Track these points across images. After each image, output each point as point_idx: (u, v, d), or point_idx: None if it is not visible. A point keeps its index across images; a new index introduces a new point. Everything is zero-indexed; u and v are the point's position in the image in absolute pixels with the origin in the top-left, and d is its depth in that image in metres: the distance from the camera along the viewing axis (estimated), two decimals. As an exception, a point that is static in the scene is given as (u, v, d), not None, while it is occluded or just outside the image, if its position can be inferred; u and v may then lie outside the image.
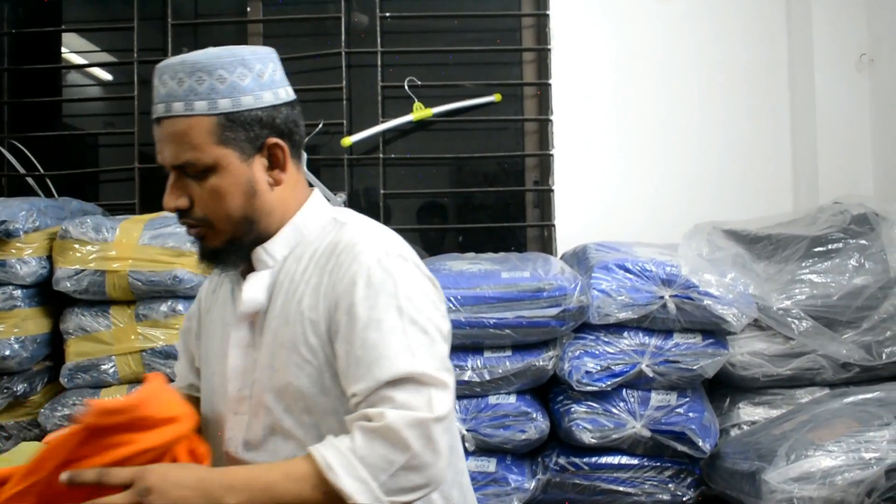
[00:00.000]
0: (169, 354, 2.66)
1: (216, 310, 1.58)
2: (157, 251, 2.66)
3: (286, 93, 1.49)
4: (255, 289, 1.46)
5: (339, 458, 1.22)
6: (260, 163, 1.44)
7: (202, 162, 1.38)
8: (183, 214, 1.44)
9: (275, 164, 1.46)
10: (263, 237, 1.48)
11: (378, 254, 1.39)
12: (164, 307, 2.69)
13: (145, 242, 2.67)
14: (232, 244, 1.45)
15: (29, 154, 3.55)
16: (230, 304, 1.54)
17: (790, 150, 3.51)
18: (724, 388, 2.80)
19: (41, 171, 3.55)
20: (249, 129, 1.42)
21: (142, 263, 2.65)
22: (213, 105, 1.38)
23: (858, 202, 2.94)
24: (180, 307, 2.69)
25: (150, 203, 3.46)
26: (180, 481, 1.21)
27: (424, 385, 1.27)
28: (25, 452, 2.29)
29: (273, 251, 1.48)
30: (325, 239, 1.48)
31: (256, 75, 1.43)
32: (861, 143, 3.35)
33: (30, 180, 3.55)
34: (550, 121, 3.53)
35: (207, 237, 1.45)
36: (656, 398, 2.57)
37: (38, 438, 2.61)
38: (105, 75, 3.97)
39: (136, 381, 2.71)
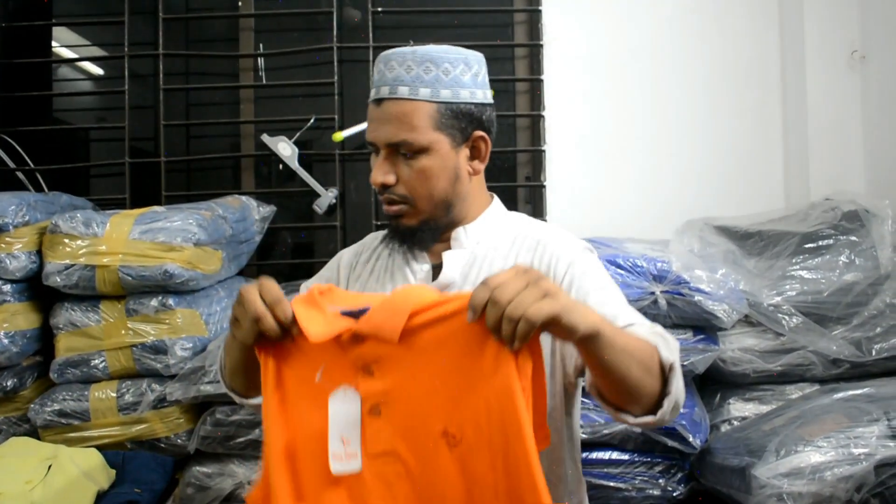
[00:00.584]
0: (159, 349, 2.65)
1: (371, 283, 1.70)
2: (148, 246, 2.65)
3: (490, 96, 1.64)
4: (454, 265, 1.63)
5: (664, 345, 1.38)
6: (464, 153, 1.61)
7: (418, 143, 1.54)
8: (386, 190, 1.59)
9: (475, 156, 1.63)
10: (455, 222, 1.66)
11: (581, 244, 1.68)
12: (154, 302, 2.68)
13: (136, 237, 2.65)
14: (427, 224, 1.62)
15: (19, 148, 3.54)
16: (392, 278, 1.68)
17: (781, 146, 3.52)
18: (715, 384, 2.81)
19: (31, 165, 3.54)
20: (462, 120, 1.57)
21: (132, 258, 2.63)
22: (435, 93, 1.54)
23: (849, 199, 2.95)
24: (171, 302, 2.68)
25: (141, 198, 3.45)
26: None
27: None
28: (16, 447, 2.30)
29: (472, 234, 1.67)
30: (520, 231, 1.69)
31: (474, 74, 1.59)
32: (852, 140, 3.35)
33: (20, 175, 3.54)
34: (542, 116, 3.53)
35: (406, 215, 1.61)
36: (647, 394, 2.56)
37: (28, 434, 2.61)
38: (96, 70, 3.96)
39: (127, 375, 2.70)
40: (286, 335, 1.35)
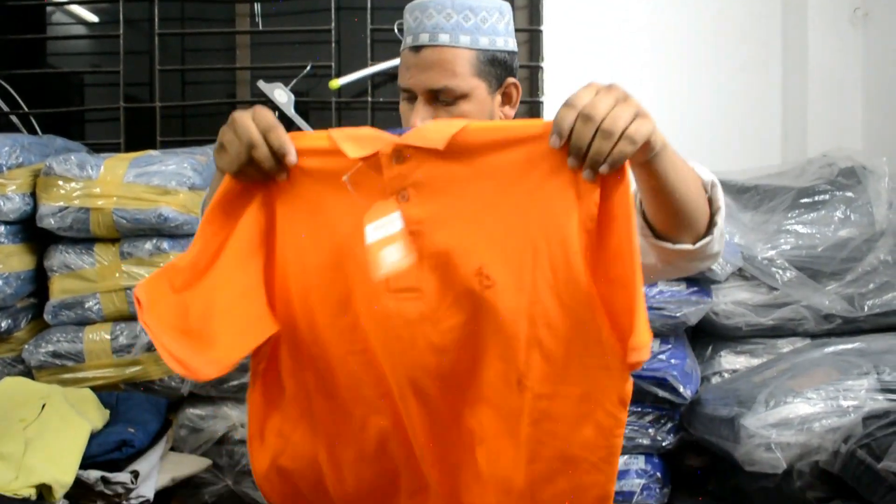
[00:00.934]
0: (153, 293, 2.65)
1: None
2: (142, 189, 2.64)
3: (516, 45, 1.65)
4: None
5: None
6: (498, 99, 1.60)
7: (459, 89, 1.53)
8: None
9: (507, 102, 1.63)
10: None
11: None
12: (148, 245, 2.68)
13: (130, 180, 2.64)
14: None
15: (13, 92, 3.51)
16: None
17: (780, 103, 3.50)
18: (707, 337, 2.83)
19: (25, 108, 3.52)
20: (497, 67, 1.57)
21: (126, 201, 2.62)
22: (475, 41, 1.54)
23: (846, 155, 2.94)
24: (165, 245, 2.68)
25: (136, 143, 3.42)
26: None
27: None
28: (10, 387, 2.31)
29: None
30: None
31: (507, 23, 1.59)
32: (852, 97, 3.34)
33: (13, 118, 3.51)
34: (541, 67, 3.52)
35: None
36: (638, 344, 2.58)
37: (23, 374, 2.62)
38: (90, 16, 3.91)
39: (121, 318, 2.71)
40: (279, 170, 1.24)
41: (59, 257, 2.73)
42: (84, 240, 2.72)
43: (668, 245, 1.35)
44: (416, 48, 1.54)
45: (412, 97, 1.57)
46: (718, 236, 1.37)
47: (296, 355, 1.30)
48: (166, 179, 2.66)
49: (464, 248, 1.21)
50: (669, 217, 1.31)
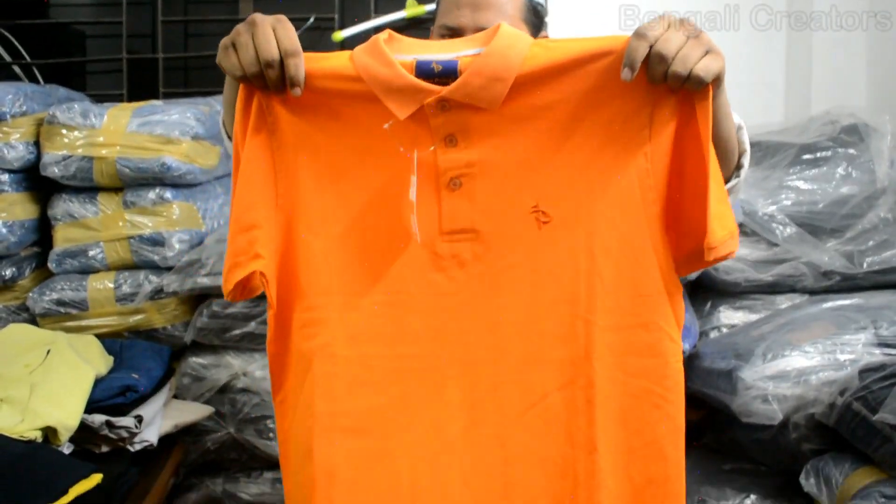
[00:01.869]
0: (157, 241, 2.67)
1: None
2: (146, 138, 2.64)
3: None
4: None
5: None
6: None
7: None
8: None
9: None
10: None
11: None
12: (151, 194, 2.69)
13: (133, 129, 2.65)
14: None
15: (15, 42, 3.50)
16: None
17: (784, 60, 3.48)
18: (706, 292, 2.83)
19: (27, 59, 3.51)
20: (536, 17, 1.59)
21: (130, 150, 2.63)
22: None
23: (850, 113, 2.93)
24: (168, 195, 2.69)
25: (138, 95, 3.42)
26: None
27: None
28: (15, 333, 2.33)
29: None
30: None
31: None
32: (856, 54, 3.32)
33: (16, 68, 3.51)
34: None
35: None
36: (638, 298, 2.59)
37: (27, 322, 2.63)
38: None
39: (125, 267, 2.73)
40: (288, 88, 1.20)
41: (63, 206, 2.74)
42: (87, 189, 2.73)
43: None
44: None
45: (455, 35, 1.48)
46: (744, 179, 1.40)
47: (305, 302, 1.25)
48: (169, 129, 2.67)
49: (518, 187, 1.21)
50: (718, 153, 1.26)
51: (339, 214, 1.23)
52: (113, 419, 2.06)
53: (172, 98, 3.37)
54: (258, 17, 1.19)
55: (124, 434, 2.07)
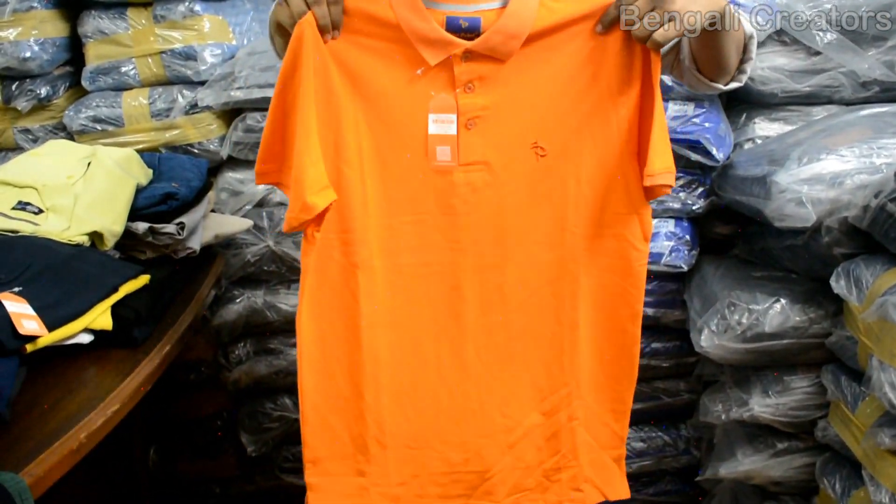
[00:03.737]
0: (189, 56, 2.66)
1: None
2: (174, -51, 2.60)
3: None
4: None
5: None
6: None
7: None
8: None
9: None
10: None
11: None
12: (181, 7, 2.65)
13: (162, -60, 2.60)
14: None
15: None
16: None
17: None
18: (742, 104, 2.80)
19: None
20: None
21: (158, -38, 2.59)
22: None
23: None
24: (198, 7, 2.65)
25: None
26: None
27: None
28: (55, 147, 2.36)
29: None
30: None
31: None
32: None
33: None
34: None
35: None
36: (673, 108, 2.57)
37: (65, 138, 2.67)
38: None
39: (157, 83, 2.73)
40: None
41: (93, 23, 2.72)
42: (116, 4, 2.70)
43: (705, 80, 1.58)
44: None
45: None
46: (744, 80, 1.60)
47: (345, 225, 1.50)
48: (198, -60, 2.62)
49: (522, 126, 1.47)
50: (712, 67, 1.54)
51: (372, 148, 1.49)
52: (156, 225, 2.10)
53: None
54: None
55: (167, 241, 2.12)
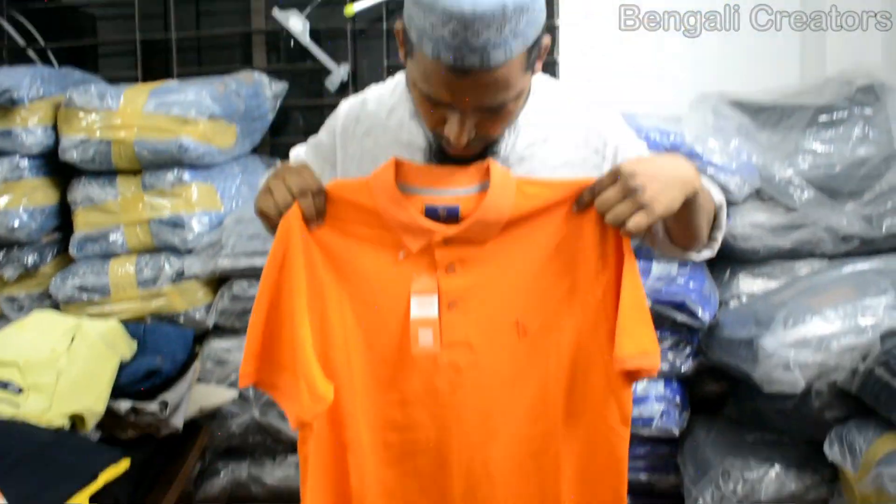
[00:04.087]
0: (177, 224, 2.68)
1: (366, 165, 1.56)
2: (163, 119, 2.65)
3: None
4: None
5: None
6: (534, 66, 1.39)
7: (514, 96, 1.34)
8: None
9: (539, 56, 1.38)
10: None
11: (618, 117, 1.71)
12: (170, 176, 2.70)
13: (150, 110, 2.66)
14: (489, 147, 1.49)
15: (30, 26, 3.51)
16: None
17: (798, 21, 3.44)
18: (725, 260, 2.82)
19: (42, 43, 3.52)
20: (539, 44, 1.34)
21: (147, 132, 2.64)
22: (526, 39, 1.28)
23: (865, 73, 2.89)
24: (186, 176, 2.70)
25: (152, 76, 3.43)
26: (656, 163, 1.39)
27: None
28: (40, 319, 2.35)
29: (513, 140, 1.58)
30: (558, 116, 1.61)
31: None
32: (870, 15, 3.28)
33: (31, 52, 3.52)
34: (556, 27, 3.48)
35: (476, 150, 1.46)
36: (657, 268, 2.59)
37: (51, 308, 2.66)
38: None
39: (145, 250, 2.75)
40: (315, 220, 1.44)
41: (83, 190, 2.76)
42: (106, 172, 2.74)
43: (677, 250, 1.59)
44: (464, 70, 1.25)
45: (438, 103, 1.35)
46: (716, 248, 1.60)
47: (334, 405, 1.48)
48: (186, 109, 2.68)
49: (504, 305, 1.46)
50: (684, 239, 1.54)
51: (357, 331, 1.49)
52: (139, 405, 2.08)
53: (186, 78, 3.38)
54: (283, 166, 1.45)
55: (150, 420, 2.09)
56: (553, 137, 1.55)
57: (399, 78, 1.66)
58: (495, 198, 1.43)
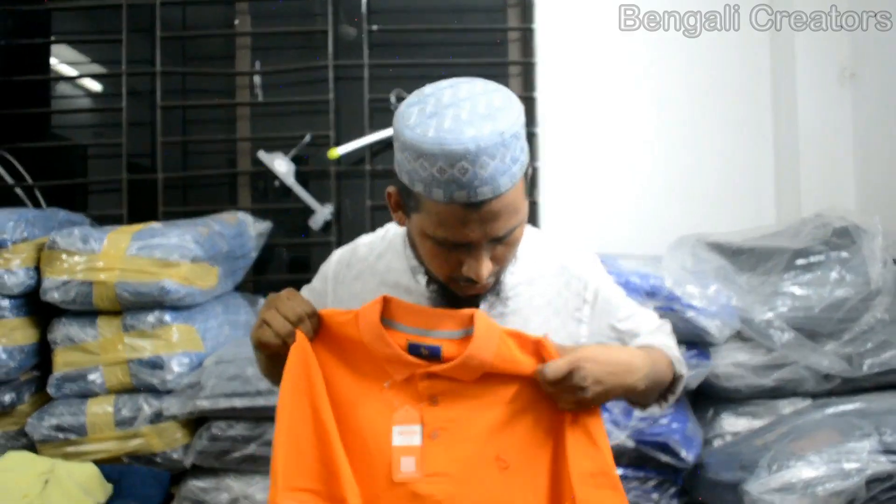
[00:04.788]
0: (156, 365, 2.67)
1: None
2: (145, 262, 2.67)
3: None
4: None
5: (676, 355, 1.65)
6: None
7: (520, 221, 1.40)
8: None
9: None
10: None
11: (594, 258, 1.78)
12: (151, 317, 2.70)
13: (133, 253, 2.68)
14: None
15: (17, 164, 3.57)
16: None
17: (773, 163, 3.54)
18: (708, 400, 2.83)
19: (30, 181, 3.56)
20: (528, 165, 1.41)
21: (130, 274, 2.65)
22: (522, 164, 1.35)
23: (840, 215, 2.96)
24: (167, 317, 2.70)
25: (139, 214, 3.48)
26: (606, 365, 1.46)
27: None
28: (13, 461, 2.31)
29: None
30: (539, 259, 1.68)
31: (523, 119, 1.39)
32: (843, 156, 3.38)
33: (18, 191, 3.56)
34: (535, 133, 3.56)
35: (486, 286, 1.50)
36: (640, 409, 2.58)
37: (26, 448, 2.62)
38: (94, 86, 3.99)
39: (124, 391, 2.72)
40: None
41: (63, 330, 2.75)
42: (87, 312, 2.74)
43: (638, 410, 1.75)
44: (477, 204, 1.31)
45: (456, 245, 1.38)
46: (666, 407, 1.68)
47: None
48: (168, 252, 2.70)
49: (485, 440, 1.48)
50: (642, 403, 1.63)
51: (343, 453, 1.49)
52: (111, 556, 2.03)
53: (172, 217, 3.43)
54: (272, 298, 1.49)
55: (123, 567, 2.04)
56: (537, 280, 1.63)
57: (389, 226, 1.72)
58: (479, 346, 1.46)
